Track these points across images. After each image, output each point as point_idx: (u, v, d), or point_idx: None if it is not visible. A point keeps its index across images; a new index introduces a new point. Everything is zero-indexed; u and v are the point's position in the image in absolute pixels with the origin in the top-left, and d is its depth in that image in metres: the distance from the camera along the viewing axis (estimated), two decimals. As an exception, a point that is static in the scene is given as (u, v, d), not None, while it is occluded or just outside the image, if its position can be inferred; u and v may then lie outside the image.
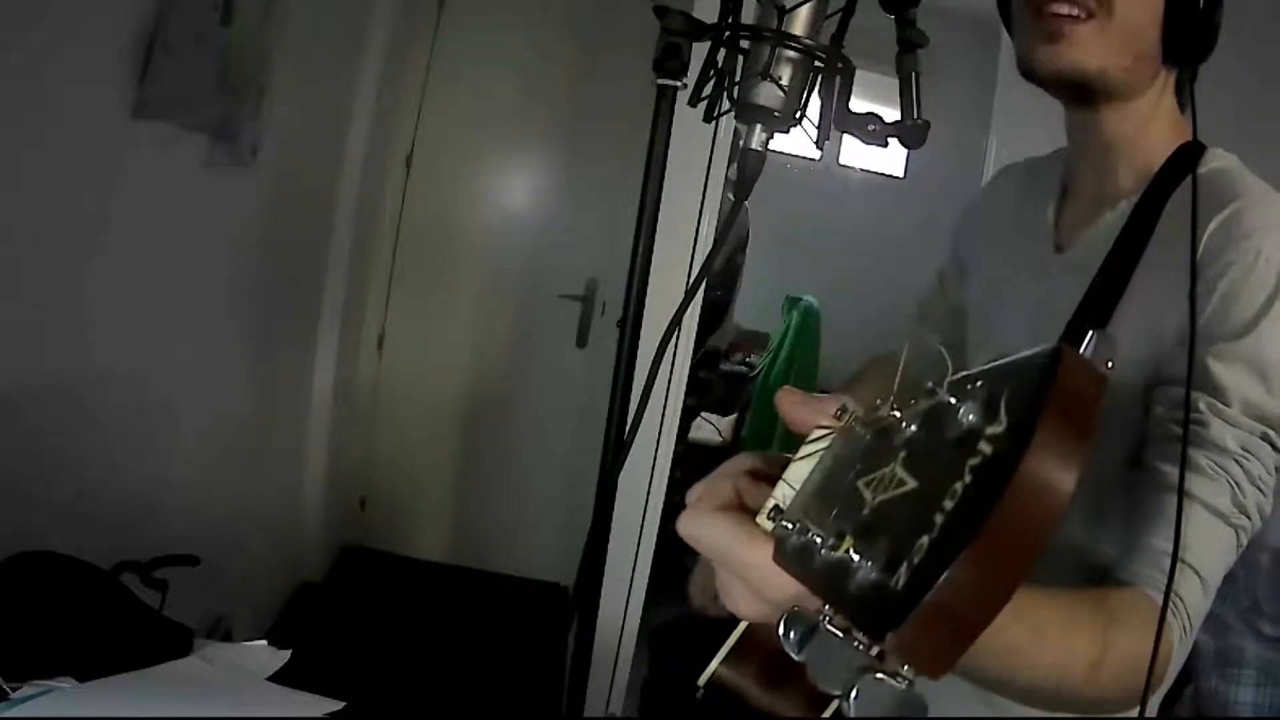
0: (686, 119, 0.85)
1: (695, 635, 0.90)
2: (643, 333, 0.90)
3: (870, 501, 0.34)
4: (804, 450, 0.46)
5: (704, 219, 2.31)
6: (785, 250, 4.26)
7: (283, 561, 2.54)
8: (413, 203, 2.92)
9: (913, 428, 0.35)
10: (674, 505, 2.44)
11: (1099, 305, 0.80)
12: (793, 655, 0.35)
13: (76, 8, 1.17)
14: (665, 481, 2.44)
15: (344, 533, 2.92)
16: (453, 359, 3.05)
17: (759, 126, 0.75)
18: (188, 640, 0.97)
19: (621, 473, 0.89)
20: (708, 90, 0.79)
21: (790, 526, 0.39)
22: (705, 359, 3.25)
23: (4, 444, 1.13)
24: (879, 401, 0.40)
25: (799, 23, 0.71)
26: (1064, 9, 0.78)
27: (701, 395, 3.43)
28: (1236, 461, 0.69)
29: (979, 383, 0.32)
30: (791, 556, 0.38)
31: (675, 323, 0.79)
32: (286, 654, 0.99)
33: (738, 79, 0.75)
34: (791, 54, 0.73)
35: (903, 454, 0.34)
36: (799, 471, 0.45)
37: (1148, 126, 0.85)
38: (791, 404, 0.48)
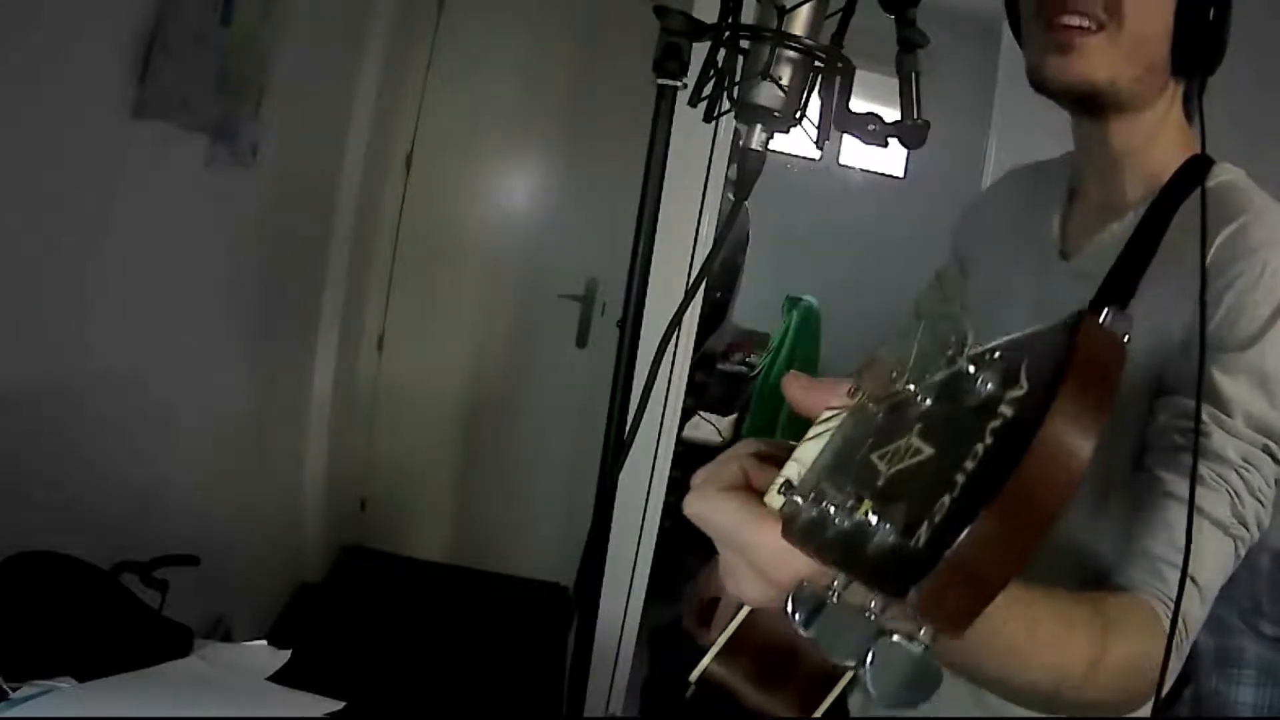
0: (686, 119, 0.85)
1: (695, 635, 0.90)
2: (643, 333, 0.90)
3: (886, 472, 0.34)
4: (814, 430, 0.46)
5: (704, 219, 2.31)
6: (785, 250, 4.26)
7: (283, 562, 2.54)
8: (413, 203, 2.91)
9: (928, 401, 0.36)
10: (673, 505, 2.44)
11: None
12: (800, 633, 0.35)
13: (76, 8, 1.16)
14: (665, 481, 2.44)
15: (344, 533, 2.91)
16: (453, 359, 3.05)
17: (759, 126, 0.75)
18: (188, 640, 0.97)
19: (621, 473, 0.89)
20: (708, 90, 0.79)
21: (801, 501, 0.39)
22: (701, 361, 3.25)
23: (4, 444, 1.13)
24: (894, 375, 0.39)
25: (799, 23, 0.72)
26: (1074, 20, 0.78)
27: (698, 398, 3.43)
28: (1237, 472, 0.69)
29: (997, 354, 0.32)
30: (801, 532, 0.38)
31: (675, 323, 0.79)
32: (286, 654, 0.99)
33: (738, 79, 0.75)
34: (791, 54, 0.73)
35: (919, 426, 0.34)
36: (809, 451, 0.45)
37: (1156, 138, 0.85)
38: (800, 388, 0.48)
